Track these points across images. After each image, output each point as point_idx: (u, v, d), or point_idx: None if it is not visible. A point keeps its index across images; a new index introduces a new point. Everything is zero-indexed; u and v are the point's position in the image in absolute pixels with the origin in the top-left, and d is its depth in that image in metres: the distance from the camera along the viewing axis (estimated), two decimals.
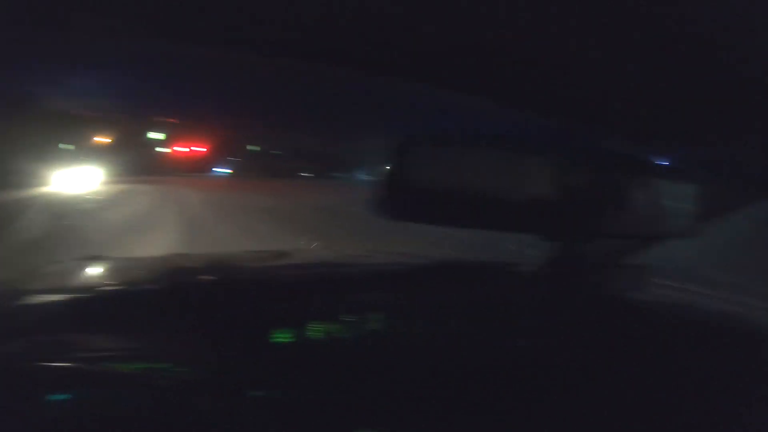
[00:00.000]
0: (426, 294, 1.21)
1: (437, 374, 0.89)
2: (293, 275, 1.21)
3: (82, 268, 1.31)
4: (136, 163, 12.20)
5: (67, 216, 5.90)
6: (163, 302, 1.00)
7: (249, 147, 16.16)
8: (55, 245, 4.22)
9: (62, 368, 0.79)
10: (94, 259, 1.38)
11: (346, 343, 1.05)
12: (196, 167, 15.57)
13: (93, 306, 0.96)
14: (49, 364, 0.79)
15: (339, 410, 0.78)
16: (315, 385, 0.85)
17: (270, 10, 0.82)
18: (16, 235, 4.63)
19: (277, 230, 6.04)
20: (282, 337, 1.01)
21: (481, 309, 1.11)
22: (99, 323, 0.91)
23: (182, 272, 1.12)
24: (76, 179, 8.24)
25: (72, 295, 1.00)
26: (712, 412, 0.95)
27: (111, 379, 0.79)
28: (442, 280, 1.25)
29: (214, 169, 16.58)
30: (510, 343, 0.96)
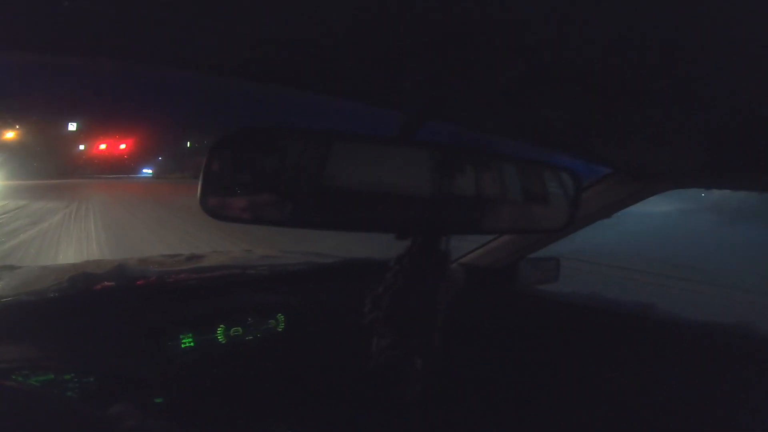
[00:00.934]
0: (329, 292, 1.23)
1: (342, 374, 0.94)
2: (200, 278, 1.20)
3: None
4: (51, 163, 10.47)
5: None
6: (71, 310, 0.98)
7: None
8: None
9: None
10: (4, 268, 1.33)
11: (248, 345, 1.06)
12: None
13: (2, 316, 0.94)
14: None
15: (245, 411, 0.83)
16: (219, 388, 0.88)
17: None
18: None
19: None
20: (186, 341, 1.01)
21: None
22: (7, 333, 0.89)
23: (92, 279, 1.09)
24: None
25: None
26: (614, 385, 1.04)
27: (18, 392, 0.77)
28: (346, 278, 1.28)
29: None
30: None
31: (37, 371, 0.82)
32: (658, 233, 10.80)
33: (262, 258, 1.59)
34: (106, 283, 1.05)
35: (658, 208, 12.20)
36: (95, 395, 0.80)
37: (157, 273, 1.21)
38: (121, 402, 0.75)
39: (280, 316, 1.14)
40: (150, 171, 15.55)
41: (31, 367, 0.82)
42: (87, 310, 0.99)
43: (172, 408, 0.81)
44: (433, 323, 0.85)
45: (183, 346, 1.01)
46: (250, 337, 1.08)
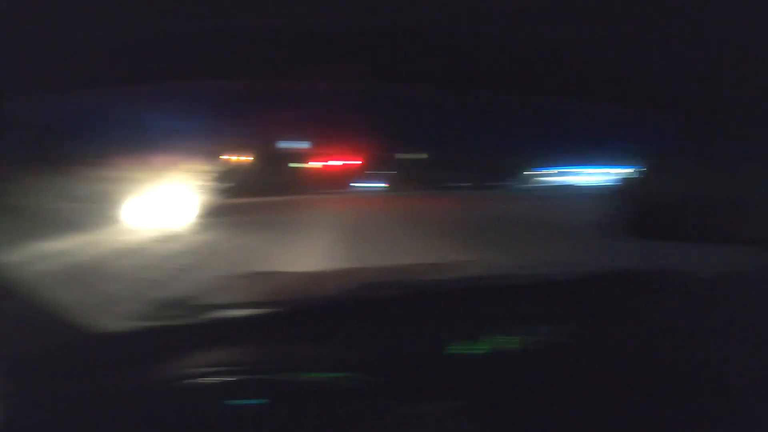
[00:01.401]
0: (599, 303, 1.18)
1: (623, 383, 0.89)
2: (461, 288, 1.24)
3: (260, 281, 1.41)
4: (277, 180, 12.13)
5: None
6: (343, 314, 1.06)
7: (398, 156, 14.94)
8: (225, 261, 4.50)
9: (251, 378, 0.86)
10: (269, 273, 1.50)
11: (522, 354, 1.04)
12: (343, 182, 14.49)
13: (278, 318, 1.04)
14: (238, 375, 0.86)
15: (523, 419, 0.82)
16: (495, 395, 0.88)
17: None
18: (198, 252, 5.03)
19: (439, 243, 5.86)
20: (458, 348, 1.04)
21: (657, 317, 1.08)
22: (284, 334, 0.99)
23: (360, 286, 1.18)
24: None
25: (258, 310, 1.07)
26: None
27: (299, 387, 0.85)
28: (614, 289, 1.22)
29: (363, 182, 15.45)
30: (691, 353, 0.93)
31: (310, 370, 0.89)
32: None
33: (518, 266, 1.63)
34: (375, 290, 1.12)
35: None
36: (370, 393, 0.85)
37: (420, 281, 1.27)
38: (400, 401, 0.82)
39: (547, 327, 1.13)
40: (384, 184, 16.30)
41: (320, 367, 0.89)
42: (367, 315, 1.06)
43: (469, 412, 0.84)
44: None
45: (455, 352, 1.03)
46: (524, 347, 1.07)
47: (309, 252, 4.86)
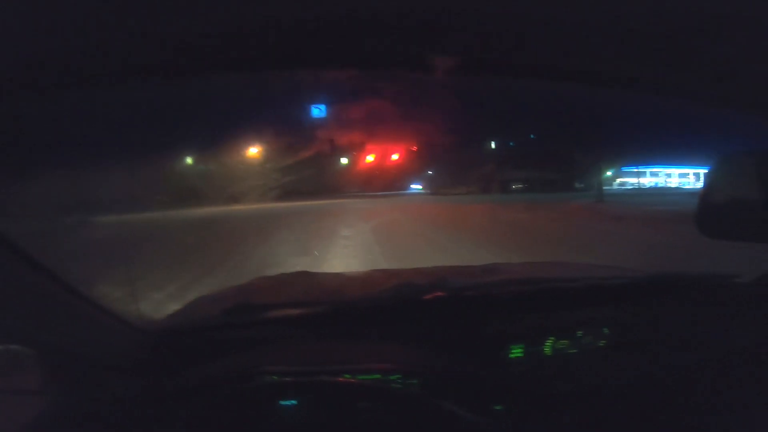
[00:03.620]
0: (648, 308, 1.17)
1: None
2: (508, 291, 1.22)
3: (294, 282, 1.42)
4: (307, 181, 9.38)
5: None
6: (384, 317, 1.05)
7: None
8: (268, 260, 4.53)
9: (292, 379, 0.87)
10: (303, 274, 1.50)
11: (575, 358, 1.06)
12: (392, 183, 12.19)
13: (313, 320, 1.03)
14: (281, 375, 0.87)
15: (578, 422, 0.83)
16: (551, 400, 0.89)
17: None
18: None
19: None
20: (516, 351, 1.04)
21: (703, 322, 1.10)
22: (321, 336, 0.99)
23: (398, 288, 1.16)
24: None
25: (294, 309, 1.07)
26: None
27: (335, 388, 0.85)
28: (662, 293, 1.22)
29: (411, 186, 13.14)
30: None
31: (364, 372, 0.89)
32: None
33: (577, 269, 1.66)
34: (429, 293, 1.10)
35: None
36: (426, 396, 0.86)
37: (473, 284, 1.25)
38: (456, 404, 0.83)
39: (606, 330, 1.14)
40: (420, 186, 14.04)
41: (357, 369, 0.89)
42: (411, 317, 1.05)
43: (511, 415, 0.85)
44: None
45: (512, 356, 1.04)
46: (575, 351, 1.08)
47: None
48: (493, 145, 10.35)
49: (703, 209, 1.14)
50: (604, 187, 13.85)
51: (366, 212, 9.63)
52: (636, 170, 16.17)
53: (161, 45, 0.83)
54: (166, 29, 0.78)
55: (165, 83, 1.00)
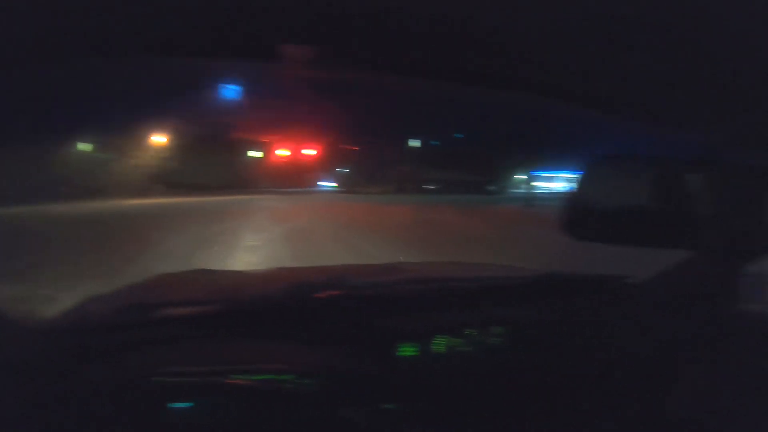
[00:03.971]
0: (540, 308, 1.21)
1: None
2: (404, 290, 1.24)
3: (192, 281, 1.37)
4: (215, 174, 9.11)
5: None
6: (281, 316, 1.03)
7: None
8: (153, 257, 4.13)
9: (184, 380, 0.84)
10: (201, 272, 1.44)
11: (467, 356, 1.06)
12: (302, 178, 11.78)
13: (208, 319, 0.99)
14: (171, 376, 0.84)
15: (467, 422, 0.82)
16: (443, 398, 0.88)
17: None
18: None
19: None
20: (409, 350, 1.03)
21: (581, 323, 1.16)
22: (215, 335, 0.95)
23: (296, 287, 1.15)
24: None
25: (190, 308, 1.03)
26: None
27: (229, 389, 0.83)
28: (548, 294, 1.26)
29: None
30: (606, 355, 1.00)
31: (258, 372, 0.87)
32: None
33: (468, 269, 1.68)
34: (312, 291, 1.10)
35: None
36: (320, 396, 0.84)
37: (369, 283, 1.26)
38: (350, 405, 0.82)
39: (499, 329, 1.15)
40: (334, 184, 13.44)
41: (251, 369, 0.88)
42: (307, 316, 1.03)
43: (404, 415, 0.84)
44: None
45: (404, 354, 1.03)
46: (470, 349, 1.09)
47: None
48: (418, 144, 10.16)
49: (571, 212, 1.21)
50: (517, 191, 14.38)
51: (278, 212, 8.78)
52: (548, 175, 17.37)
53: (55, 26, 0.79)
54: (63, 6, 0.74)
55: (62, 65, 0.95)
